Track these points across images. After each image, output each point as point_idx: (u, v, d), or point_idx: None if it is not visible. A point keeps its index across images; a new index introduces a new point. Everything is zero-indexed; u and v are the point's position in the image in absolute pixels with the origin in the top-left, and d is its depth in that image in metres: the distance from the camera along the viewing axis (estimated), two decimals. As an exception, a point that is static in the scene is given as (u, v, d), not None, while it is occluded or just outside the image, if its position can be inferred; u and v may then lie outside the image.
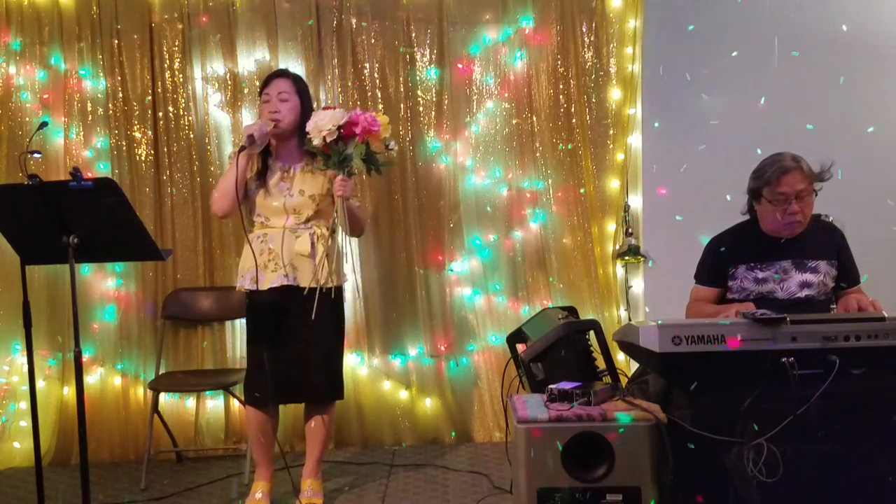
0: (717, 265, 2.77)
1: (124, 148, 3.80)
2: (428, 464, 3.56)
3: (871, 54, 3.78)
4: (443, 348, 3.88)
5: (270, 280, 2.83)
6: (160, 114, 3.79)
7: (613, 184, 3.88)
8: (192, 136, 3.80)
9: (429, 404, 3.89)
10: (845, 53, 3.77)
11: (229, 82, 3.81)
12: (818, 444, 2.11)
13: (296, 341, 2.87)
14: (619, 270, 3.92)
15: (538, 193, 3.88)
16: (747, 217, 2.80)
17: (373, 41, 3.82)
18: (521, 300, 3.89)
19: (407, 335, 3.88)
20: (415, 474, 3.44)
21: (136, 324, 3.80)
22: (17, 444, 3.74)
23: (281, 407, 3.15)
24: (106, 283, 3.82)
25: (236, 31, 3.78)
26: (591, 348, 2.71)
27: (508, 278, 3.90)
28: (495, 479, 3.28)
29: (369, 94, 3.83)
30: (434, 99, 3.85)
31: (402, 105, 3.84)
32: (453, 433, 3.87)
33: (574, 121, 3.84)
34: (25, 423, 3.72)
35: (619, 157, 3.87)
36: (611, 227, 3.90)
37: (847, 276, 2.75)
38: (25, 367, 3.03)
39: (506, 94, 3.86)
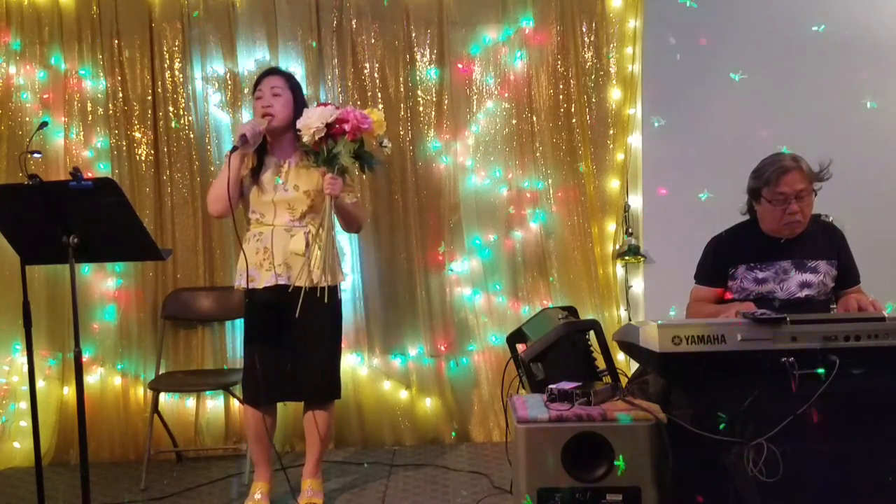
0: (717, 265, 2.77)
1: (124, 148, 3.80)
2: (428, 464, 3.56)
3: (872, 54, 3.78)
4: (443, 348, 3.88)
5: (265, 279, 2.83)
6: (160, 114, 3.80)
7: (613, 184, 3.88)
8: (192, 136, 3.81)
9: (429, 404, 3.89)
10: (846, 53, 3.77)
11: (229, 82, 3.81)
12: (818, 444, 2.11)
13: (293, 340, 2.87)
14: (619, 270, 3.92)
15: (538, 193, 3.88)
16: (747, 217, 2.80)
17: (373, 41, 3.82)
18: (521, 300, 3.89)
19: (407, 335, 3.88)
20: (415, 474, 3.44)
21: (136, 324, 3.80)
22: (17, 444, 3.74)
23: (281, 407, 3.15)
24: (106, 283, 3.82)
25: (236, 31, 3.78)
26: (591, 348, 2.71)
27: (508, 278, 3.90)
28: (495, 479, 3.28)
29: (369, 94, 3.83)
30: (434, 99, 3.85)
31: (402, 105, 3.84)
32: (453, 433, 3.87)
33: (574, 121, 3.84)
34: (25, 423, 3.72)
35: (619, 157, 3.87)
36: (611, 227, 3.90)
37: (847, 276, 2.75)
38: (25, 367, 3.04)
39: (506, 94, 3.86)
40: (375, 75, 3.83)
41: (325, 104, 2.79)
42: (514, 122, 3.86)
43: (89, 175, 3.36)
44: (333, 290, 2.86)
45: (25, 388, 3.60)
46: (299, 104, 2.90)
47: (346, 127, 2.69)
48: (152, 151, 3.81)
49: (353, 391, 3.81)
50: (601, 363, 2.70)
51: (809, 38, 3.78)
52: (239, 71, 3.79)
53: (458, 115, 3.85)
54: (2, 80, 3.78)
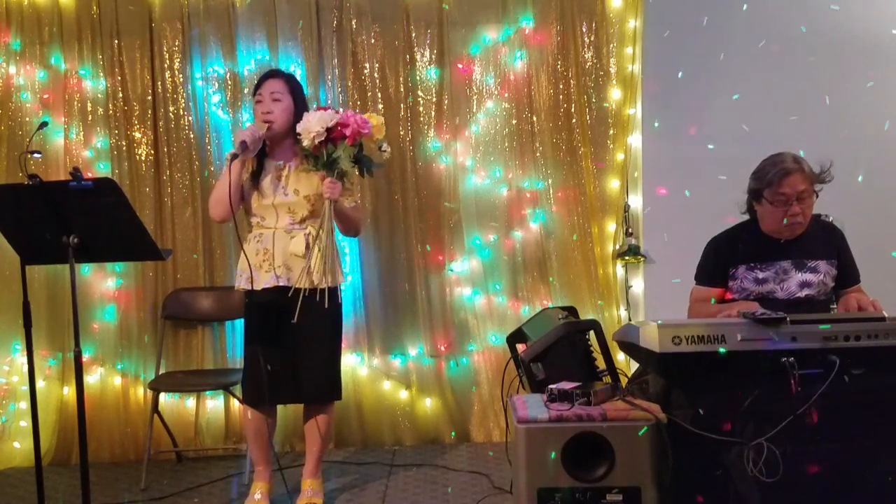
0: (717, 265, 2.77)
1: (124, 148, 3.80)
2: (428, 464, 3.56)
3: (872, 54, 3.78)
4: (443, 348, 3.88)
5: (264, 280, 2.83)
6: (160, 114, 3.79)
7: (613, 184, 3.88)
8: (192, 136, 3.81)
9: (429, 404, 3.89)
10: (846, 53, 3.77)
11: (229, 82, 3.81)
12: (818, 444, 2.11)
13: (293, 341, 2.87)
14: (619, 270, 3.92)
15: (538, 193, 3.88)
16: (747, 217, 2.80)
17: (373, 41, 3.82)
18: (521, 300, 3.89)
19: (407, 335, 3.88)
20: (415, 474, 3.44)
21: (136, 324, 3.80)
22: (17, 444, 3.74)
23: (280, 407, 3.15)
24: (106, 283, 3.82)
25: (236, 31, 3.78)
26: (591, 348, 2.71)
27: (508, 278, 3.90)
28: (495, 479, 3.28)
29: (369, 94, 3.83)
30: (434, 99, 3.85)
31: (402, 105, 3.84)
32: (453, 433, 3.87)
33: (574, 121, 3.84)
34: (25, 423, 3.72)
35: (619, 157, 3.87)
36: (611, 227, 3.90)
37: (847, 275, 2.75)
38: (25, 367, 3.04)
39: (506, 94, 3.86)
40: (375, 75, 3.83)
41: (325, 108, 2.79)
42: (514, 122, 3.86)
43: (89, 175, 3.38)
44: (334, 292, 2.86)
45: (25, 388, 3.59)
46: (300, 108, 2.90)
47: (347, 131, 2.69)
48: (152, 151, 3.81)
49: (353, 391, 3.81)
50: (601, 363, 2.70)
51: (809, 38, 3.77)
52: (239, 71, 3.79)
53: (458, 115, 3.85)
54: (2, 80, 3.78)
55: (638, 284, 3.92)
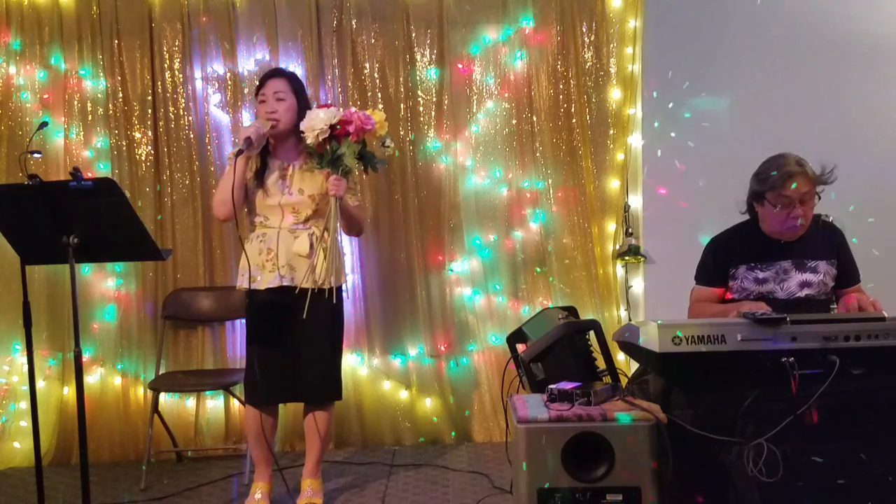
0: (717, 265, 2.77)
1: (124, 148, 3.80)
2: (428, 464, 3.56)
3: (872, 54, 3.78)
4: (443, 348, 3.88)
5: (267, 280, 2.83)
6: (160, 114, 3.79)
7: (613, 184, 3.88)
8: (192, 136, 3.81)
9: (429, 404, 3.89)
10: (846, 53, 3.77)
11: (229, 82, 3.81)
12: (818, 444, 2.11)
13: (294, 341, 2.87)
14: (619, 270, 3.92)
15: (538, 193, 3.88)
16: (747, 217, 2.80)
17: (373, 41, 3.82)
18: (521, 300, 3.89)
19: (407, 335, 3.88)
20: (415, 474, 3.44)
21: (136, 324, 3.80)
22: (17, 444, 3.74)
23: (281, 407, 3.15)
24: (106, 283, 3.82)
25: (236, 31, 3.79)
26: (591, 348, 2.71)
27: (508, 278, 3.90)
28: (495, 479, 3.28)
29: (369, 94, 3.83)
30: (434, 99, 3.85)
31: (402, 105, 3.84)
32: (453, 433, 3.87)
33: (574, 121, 3.84)
34: (25, 423, 3.72)
35: (619, 157, 3.87)
36: (611, 227, 3.90)
37: (847, 275, 2.75)
38: (25, 367, 3.04)
39: (506, 94, 3.86)
40: (375, 75, 3.83)
41: (328, 105, 2.79)
42: (514, 122, 3.86)
43: (89, 175, 3.37)
44: (337, 291, 2.87)
45: (25, 388, 3.59)
46: (303, 107, 2.91)
47: (350, 128, 2.69)
48: (152, 151, 3.81)
49: (353, 391, 3.81)
50: (601, 363, 2.70)
51: (809, 38, 3.77)
52: (239, 71, 3.79)
53: (458, 115, 3.85)
54: (2, 80, 3.78)
55: (638, 284, 3.92)
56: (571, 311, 3.07)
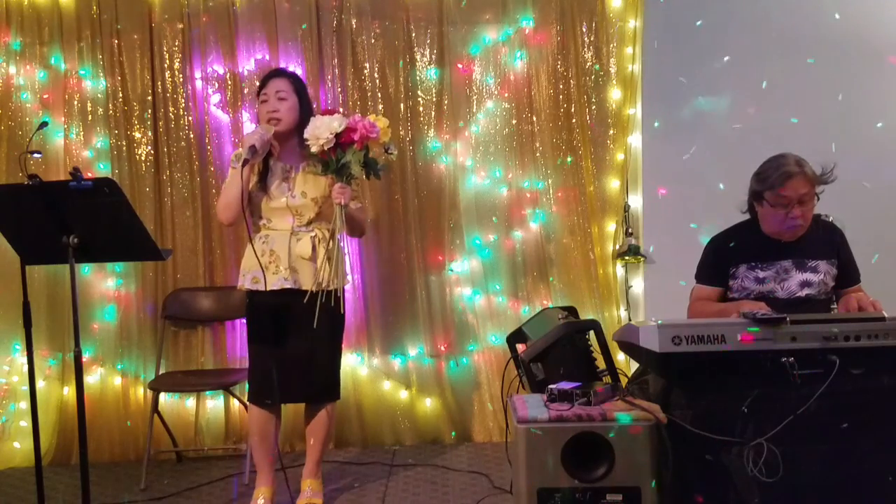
0: (717, 264, 2.77)
1: (124, 148, 3.80)
2: (428, 464, 3.56)
3: (872, 54, 3.78)
4: (443, 348, 3.88)
5: (271, 282, 2.83)
6: (160, 114, 3.79)
7: (613, 184, 3.88)
8: (192, 136, 3.81)
9: (429, 404, 3.89)
10: (847, 53, 3.77)
11: (229, 82, 3.81)
12: (818, 444, 2.11)
13: (296, 342, 2.87)
14: (619, 270, 3.92)
15: (538, 193, 3.88)
16: (748, 216, 2.80)
17: (373, 41, 3.82)
18: (521, 300, 3.89)
19: (407, 335, 3.88)
20: (415, 474, 3.44)
21: (136, 324, 3.80)
22: (17, 444, 3.74)
23: (281, 407, 3.15)
24: (106, 283, 3.82)
25: (236, 31, 3.78)
26: (591, 348, 2.71)
27: (508, 278, 3.90)
28: (495, 479, 3.28)
29: (369, 94, 3.83)
30: (434, 99, 3.85)
31: (402, 105, 3.84)
32: (453, 433, 3.87)
33: (574, 121, 3.84)
34: (25, 423, 3.72)
35: (619, 157, 3.87)
36: (611, 227, 3.90)
37: (847, 275, 2.75)
38: (25, 367, 3.04)
39: (506, 95, 3.86)
40: (375, 75, 3.83)
41: (332, 111, 2.78)
42: (514, 122, 3.86)
43: (89, 175, 3.37)
44: (338, 294, 2.87)
45: (25, 388, 3.59)
46: (305, 107, 2.91)
47: (355, 136, 2.69)
48: (152, 151, 3.81)
49: (353, 391, 3.81)
50: (601, 363, 2.70)
51: (810, 38, 3.77)
52: (239, 71, 3.79)
53: (457, 115, 3.85)
54: (2, 80, 3.78)
55: (638, 284, 3.92)
56: (571, 311, 3.07)
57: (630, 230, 3.88)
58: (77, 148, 3.80)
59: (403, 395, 3.89)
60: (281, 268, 2.83)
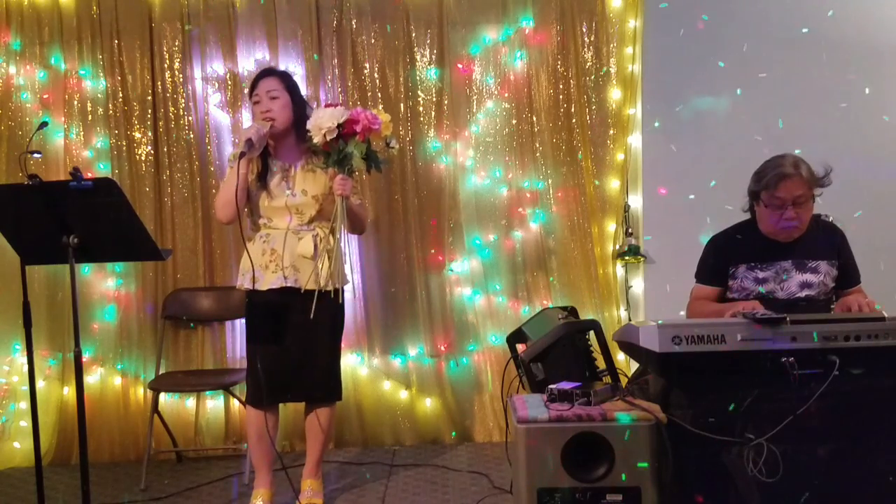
0: (717, 264, 2.77)
1: (124, 148, 3.80)
2: (428, 464, 3.56)
3: (870, 54, 3.78)
4: (443, 348, 3.88)
5: (270, 281, 2.83)
6: (160, 114, 3.80)
7: (613, 184, 3.88)
8: (192, 136, 3.81)
9: (429, 404, 3.89)
10: (847, 53, 3.77)
11: (229, 82, 3.81)
12: (818, 444, 2.11)
13: (295, 342, 2.87)
14: (619, 270, 3.92)
15: (538, 193, 3.88)
16: (748, 216, 2.80)
17: (373, 41, 3.82)
18: (521, 300, 3.89)
19: (407, 335, 3.89)
20: (415, 474, 3.44)
21: (136, 324, 3.80)
22: (17, 444, 3.75)
23: (281, 407, 3.15)
24: (106, 283, 3.82)
25: (236, 31, 3.79)
26: (591, 348, 2.71)
27: (508, 278, 3.90)
28: (495, 479, 3.28)
29: (369, 94, 3.83)
30: (434, 99, 3.86)
31: (402, 105, 3.84)
32: (453, 433, 3.87)
33: (574, 121, 3.84)
34: (25, 423, 3.72)
35: (619, 157, 3.87)
36: (611, 227, 3.90)
37: (847, 276, 2.74)
38: (25, 367, 3.04)
39: (506, 94, 3.86)
40: (375, 75, 3.83)
41: (334, 104, 2.78)
42: (514, 122, 3.86)
43: (89, 175, 3.37)
44: (338, 293, 2.87)
45: (25, 388, 3.60)
46: (298, 104, 2.90)
47: (357, 127, 2.69)
48: (152, 151, 3.81)
49: (353, 391, 3.81)
50: (601, 363, 2.70)
51: (810, 39, 3.77)
52: (239, 71, 3.79)
53: (458, 115, 3.85)
54: (2, 80, 3.78)
55: (638, 284, 3.92)
56: (571, 311, 3.07)
57: (630, 230, 3.88)
58: (77, 148, 3.80)
59: (403, 395, 3.89)
60: (282, 266, 2.83)
